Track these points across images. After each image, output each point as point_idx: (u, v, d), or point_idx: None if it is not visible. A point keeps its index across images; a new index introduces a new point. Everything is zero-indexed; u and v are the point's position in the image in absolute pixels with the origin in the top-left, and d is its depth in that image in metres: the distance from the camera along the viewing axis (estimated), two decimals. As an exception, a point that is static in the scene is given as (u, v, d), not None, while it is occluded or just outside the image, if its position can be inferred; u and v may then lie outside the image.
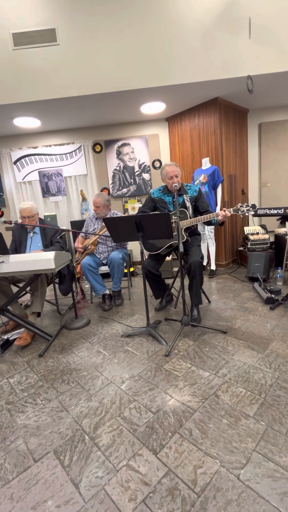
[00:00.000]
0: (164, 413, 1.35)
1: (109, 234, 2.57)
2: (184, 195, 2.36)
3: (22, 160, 4.23)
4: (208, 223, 2.30)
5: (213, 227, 3.52)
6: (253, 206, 2.12)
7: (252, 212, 2.12)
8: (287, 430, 1.19)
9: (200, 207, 2.38)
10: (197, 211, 2.42)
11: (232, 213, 2.15)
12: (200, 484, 0.99)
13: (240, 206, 2.15)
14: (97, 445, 1.20)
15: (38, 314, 2.34)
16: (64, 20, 2.83)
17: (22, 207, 2.42)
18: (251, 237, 3.64)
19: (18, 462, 1.15)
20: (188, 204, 2.34)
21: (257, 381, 1.52)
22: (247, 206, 2.13)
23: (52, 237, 2.53)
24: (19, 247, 2.54)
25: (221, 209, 2.27)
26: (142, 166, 4.28)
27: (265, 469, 1.03)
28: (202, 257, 2.28)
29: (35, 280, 2.23)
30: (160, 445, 1.17)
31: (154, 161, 4.27)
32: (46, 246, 2.51)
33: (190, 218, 2.31)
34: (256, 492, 0.95)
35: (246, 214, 2.15)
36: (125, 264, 2.82)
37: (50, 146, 4.21)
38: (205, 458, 1.09)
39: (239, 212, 2.15)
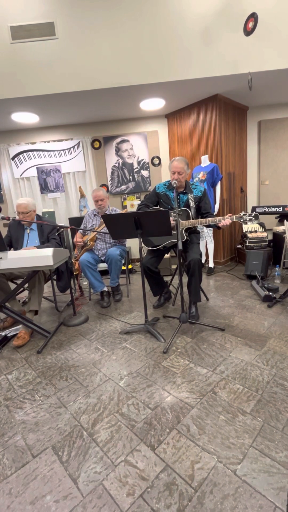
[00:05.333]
0: (162, 409, 1.35)
1: (107, 231, 2.56)
2: (189, 194, 2.34)
3: (20, 155, 4.19)
4: (207, 225, 2.30)
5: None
6: (256, 216, 2.16)
7: (255, 222, 2.15)
8: (284, 426, 1.20)
9: (202, 208, 2.38)
10: (198, 212, 2.42)
11: (234, 220, 2.17)
12: (197, 479, 1.00)
13: (243, 214, 2.17)
14: (95, 441, 1.21)
15: (36, 312, 2.33)
16: (63, 13, 2.79)
17: (18, 202, 2.41)
18: (249, 235, 3.64)
19: (17, 458, 1.16)
20: (192, 203, 2.33)
21: (254, 378, 1.54)
22: (250, 215, 2.16)
23: (49, 234, 2.50)
24: (15, 243, 2.52)
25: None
26: (141, 163, 4.25)
27: (262, 464, 1.04)
28: (200, 255, 2.28)
29: (33, 277, 2.22)
30: (158, 441, 1.18)
31: (153, 158, 4.25)
32: (43, 243, 2.49)
33: (192, 218, 2.31)
34: (253, 487, 0.96)
35: (248, 223, 2.16)
36: (123, 261, 2.82)
37: (48, 142, 4.17)
38: (202, 454, 1.10)
39: (241, 220, 2.17)
